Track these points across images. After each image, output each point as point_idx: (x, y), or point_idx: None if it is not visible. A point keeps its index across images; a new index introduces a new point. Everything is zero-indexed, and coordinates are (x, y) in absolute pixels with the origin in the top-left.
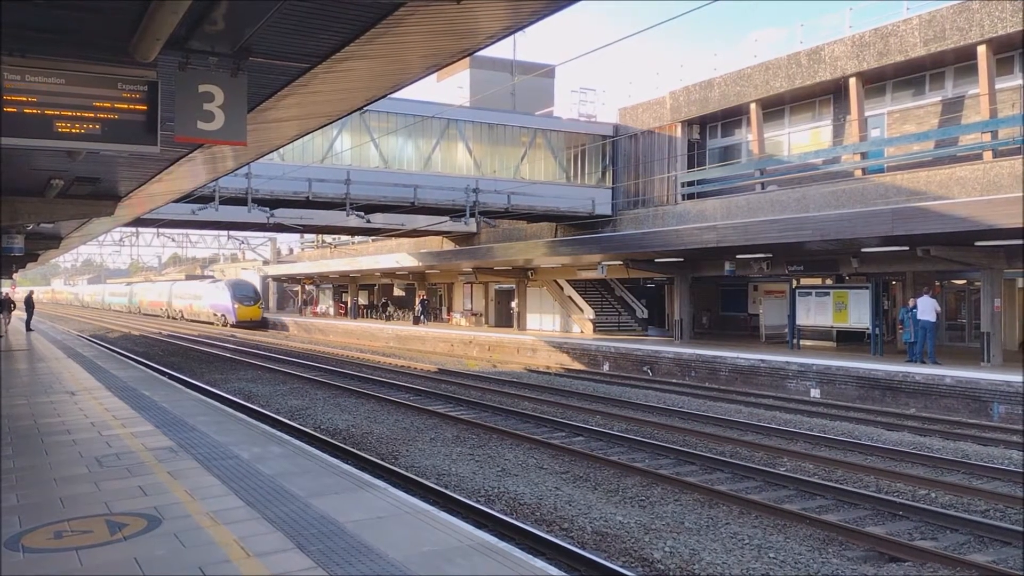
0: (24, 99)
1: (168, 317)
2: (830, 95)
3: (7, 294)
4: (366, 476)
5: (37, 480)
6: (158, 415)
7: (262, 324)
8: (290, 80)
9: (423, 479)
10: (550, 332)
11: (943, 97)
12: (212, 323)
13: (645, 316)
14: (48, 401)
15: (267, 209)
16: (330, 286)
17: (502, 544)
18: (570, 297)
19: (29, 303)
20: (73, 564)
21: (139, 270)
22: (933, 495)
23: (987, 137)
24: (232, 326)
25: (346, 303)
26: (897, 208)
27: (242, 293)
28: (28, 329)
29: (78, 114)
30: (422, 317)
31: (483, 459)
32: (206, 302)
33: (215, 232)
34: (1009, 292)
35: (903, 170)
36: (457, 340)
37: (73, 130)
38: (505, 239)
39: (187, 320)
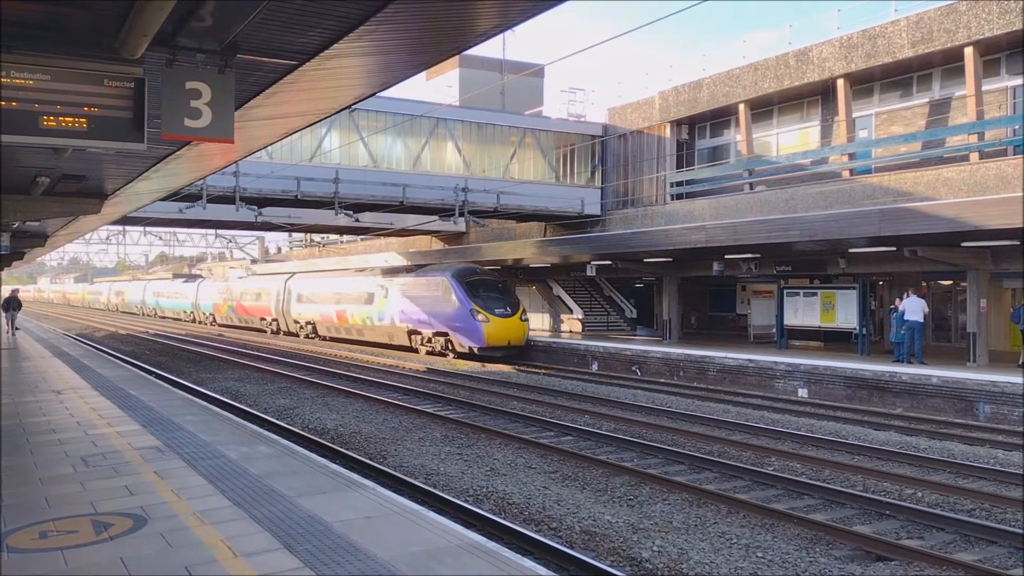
0: (9, 95)
1: (279, 331)
2: (818, 96)
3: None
4: (354, 476)
5: (22, 480)
6: (145, 414)
7: (522, 352)
8: (278, 77)
9: (411, 479)
10: (539, 331)
11: (930, 98)
12: (401, 347)
13: (634, 316)
14: (33, 400)
15: (255, 208)
16: None
17: (491, 544)
18: (559, 297)
19: (15, 301)
20: (58, 564)
21: (126, 268)
22: (920, 494)
23: (974, 139)
24: (465, 356)
25: None
26: (884, 209)
27: (483, 291)
28: (14, 328)
29: (64, 110)
30: None
31: (472, 459)
32: (392, 310)
33: (202, 231)
34: (996, 293)
35: (890, 171)
36: None
37: (59, 127)
38: (494, 239)
39: (328, 339)
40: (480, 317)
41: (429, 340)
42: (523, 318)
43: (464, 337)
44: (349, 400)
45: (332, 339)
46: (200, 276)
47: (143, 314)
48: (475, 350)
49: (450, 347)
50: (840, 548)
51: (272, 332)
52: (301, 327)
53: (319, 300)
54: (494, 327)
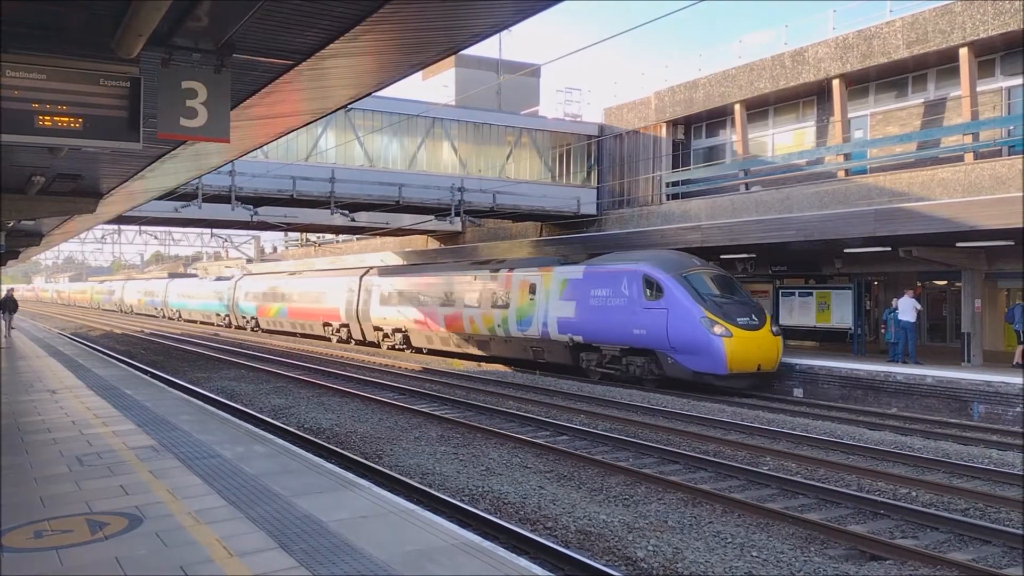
0: (5, 94)
1: (350, 340)
2: (814, 96)
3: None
4: (350, 475)
5: (17, 479)
6: (140, 414)
7: (769, 379)
8: (274, 77)
9: (407, 478)
10: None
11: (925, 99)
12: (556, 365)
13: None
14: (29, 400)
15: (251, 207)
16: None
17: (486, 543)
18: None
19: (11, 302)
20: (53, 564)
21: (121, 268)
22: (914, 494)
23: (969, 139)
24: (677, 385)
25: None
26: (879, 209)
27: (709, 290)
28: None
29: (60, 109)
30: None
31: (467, 458)
32: (543, 316)
33: (198, 230)
34: (991, 293)
35: (885, 171)
36: None
37: (55, 126)
38: (490, 238)
39: (427, 352)
40: (718, 330)
41: (615, 360)
42: (775, 331)
43: (689, 359)
44: (345, 400)
45: (432, 352)
46: (233, 272)
47: (164, 316)
48: (712, 378)
49: (654, 371)
50: (835, 547)
51: (340, 341)
52: (386, 336)
53: (415, 301)
54: (740, 345)
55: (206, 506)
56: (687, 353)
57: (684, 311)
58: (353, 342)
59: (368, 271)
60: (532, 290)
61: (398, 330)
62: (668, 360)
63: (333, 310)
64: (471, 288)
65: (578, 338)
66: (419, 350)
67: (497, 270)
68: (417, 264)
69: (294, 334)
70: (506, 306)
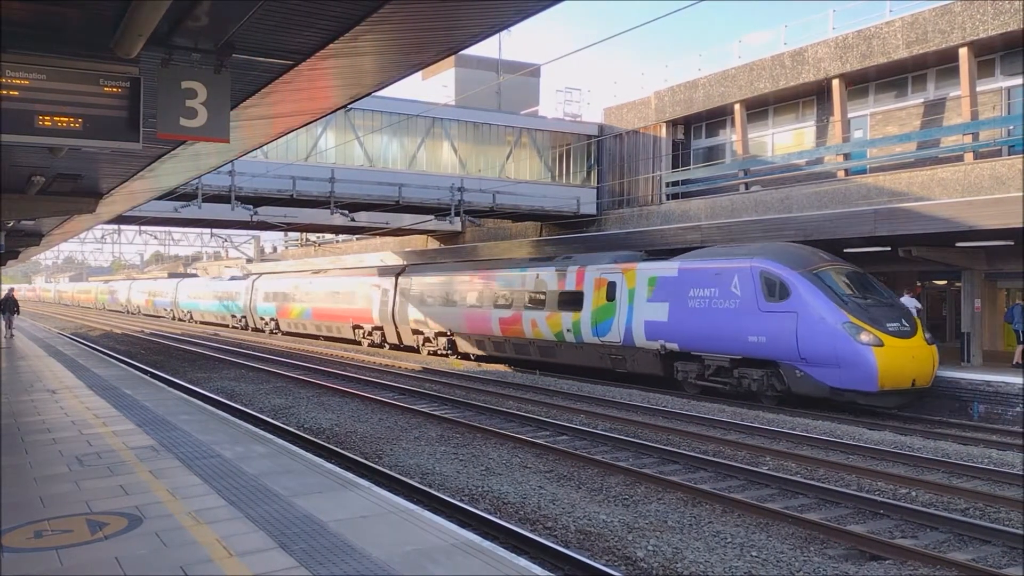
0: (5, 94)
1: (383, 344)
2: (813, 96)
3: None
4: (349, 475)
5: (17, 479)
6: (140, 414)
7: (924, 397)
8: (274, 77)
9: (407, 478)
10: None
11: (925, 99)
12: (640, 375)
13: None
14: (29, 399)
15: (251, 207)
16: None
17: (486, 543)
18: None
19: (11, 302)
20: (53, 564)
21: (121, 267)
22: (914, 494)
23: (968, 139)
24: (796, 402)
25: None
26: (879, 209)
27: (845, 290)
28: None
29: (60, 110)
30: None
31: (467, 458)
32: (626, 320)
33: (198, 230)
34: (990, 293)
35: (885, 171)
36: None
37: (54, 126)
38: (490, 238)
39: (475, 359)
40: (866, 338)
41: (721, 371)
42: (928, 339)
43: (827, 373)
44: (345, 400)
45: (481, 359)
46: (235, 272)
47: (175, 318)
48: (856, 396)
49: (776, 386)
50: (834, 547)
51: (372, 345)
52: (427, 340)
53: (463, 301)
54: (893, 356)
55: (206, 506)
56: (824, 366)
57: (819, 315)
58: (387, 346)
59: (405, 268)
60: (611, 289)
61: (442, 334)
62: (796, 373)
63: (364, 311)
64: (533, 287)
65: (672, 345)
66: (466, 356)
67: (565, 267)
68: (465, 260)
69: (318, 337)
70: (578, 308)
